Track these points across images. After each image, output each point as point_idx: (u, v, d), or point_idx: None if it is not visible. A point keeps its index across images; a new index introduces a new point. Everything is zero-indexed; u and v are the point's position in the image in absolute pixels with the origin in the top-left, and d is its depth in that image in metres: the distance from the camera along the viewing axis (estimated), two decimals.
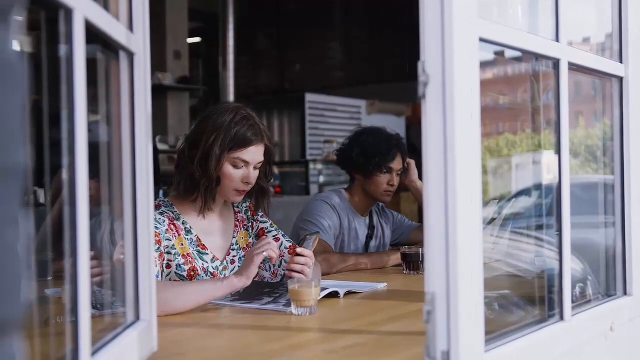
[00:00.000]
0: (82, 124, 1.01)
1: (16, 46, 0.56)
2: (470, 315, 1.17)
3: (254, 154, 2.18)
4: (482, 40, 1.24)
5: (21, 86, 0.55)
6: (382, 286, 2.32)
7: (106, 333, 1.25)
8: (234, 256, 2.30)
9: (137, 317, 1.36)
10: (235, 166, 2.16)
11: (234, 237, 2.32)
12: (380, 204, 3.17)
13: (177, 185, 2.21)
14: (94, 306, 1.26)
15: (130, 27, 1.34)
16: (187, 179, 2.18)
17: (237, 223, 2.35)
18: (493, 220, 1.96)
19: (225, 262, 2.26)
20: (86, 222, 1.01)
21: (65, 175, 1.00)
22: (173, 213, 2.20)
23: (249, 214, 2.39)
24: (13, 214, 0.54)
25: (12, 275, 0.54)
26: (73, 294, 1.00)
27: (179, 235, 2.17)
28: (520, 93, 2.04)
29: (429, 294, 1.17)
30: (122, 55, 1.32)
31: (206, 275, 2.18)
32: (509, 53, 1.53)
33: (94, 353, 1.08)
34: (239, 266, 2.27)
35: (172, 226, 2.16)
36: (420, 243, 2.88)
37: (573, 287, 1.57)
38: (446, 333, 1.15)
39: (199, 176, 2.14)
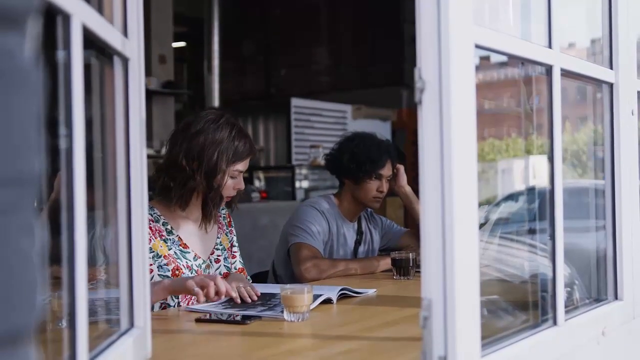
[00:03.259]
0: (79, 129, 1.00)
1: (31, 53, 0.56)
2: (467, 320, 1.17)
3: (247, 163, 2.32)
4: (477, 46, 1.24)
5: (36, 94, 0.55)
6: (372, 292, 2.32)
7: (100, 340, 1.24)
8: (218, 255, 2.39)
9: (132, 324, 1.35)
10: (232, 177, 2.28)
11: (218, 238, 2.41)
12: (369, 209, 3.17)
13: (174, 194, 2.25)
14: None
15: (125, 32, 1.33)
16: (189, 192, 2.25)
17: (220, 225, 2.45)
18: (482, 225, 1.97)
19: (208, 261, 2.34)
20: (83, 228, 1.01)
21: (63, 180, 0.99)
22: (152, 215, 2.24)
23: (226, 221, 2.50)
24: (29, 222, 0.54)
25: (28, 283, 0.54)
26: (70, 301, 0.99)
27: (156, 237, 2.22)
28: (506, 98, 2.05)
29: (426, 300, 1.17)
30: (117, 61, 1.32)
31: (190, 273, 2.24)
32: (494, 58, 1.54)
33: None
34: (224, 265, 2.39)
35: (149, 229, 2.19)
36: (408, 248, 2.89)
37: None
38: (443, 338, 1.15)
39: (205, 190, 2.24)
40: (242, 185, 2.32)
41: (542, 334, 1.45)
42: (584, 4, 2.13)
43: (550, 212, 1.51)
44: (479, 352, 1.21)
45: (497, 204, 2.27)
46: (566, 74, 1.57)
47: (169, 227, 2.26)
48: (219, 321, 1.85)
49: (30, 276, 0.54)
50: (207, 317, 1.89)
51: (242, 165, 2.29)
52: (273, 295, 2.15)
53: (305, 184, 7.32)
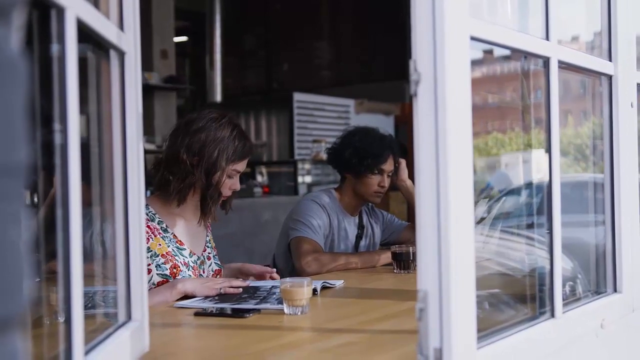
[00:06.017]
0: (74, 124, 1.00)
1: (17, 45, 0.56)
2: (462, 312, 1.17)
3: (245, 164, 2.35)
4: (473, 38, 1.24)
5: (23, 85, 0.55)
6: (339, 283, 2.34)
7: (97, 333, 1.24)
8: (209, 253, 2.43)
9: (129, 317, 1.35)
10: (230, 176, 2.30)
11: (207, 236, 2.45)
12: (370, 203, 3.17)
13: (172, 188, 2.26)
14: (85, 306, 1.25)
15: (121, 26, 1.33)
16: (187, 187, 2.26)
17: (208, 224, 2.47)
18: (482, 219, 1.97)
19: (202, 257, 2.37)
20: (78, 223, 1.01)
21: (57, 176, 0.99)
22: (147, 214, 2.25)
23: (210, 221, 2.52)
24: (16, 212, 0.55)
25: (15, 272, 0.54)
26: (66, 295, 0.99)
27: (155, 235, 2.24)
28: (509, 92, 2.05)
29: (421, 291, 1.17)
30: (113, 55, 1.32)
31: (187, 270, 2.26)
32: (497, 52, 1.54)
33: (86, 352, 1.07)
34: (215, 262, 2.43)
35: (147, 228, 2.20)
36: (410, 242, 2.89)
37: (563, 285, 1.57)
38: (438, 330, 1.16)
39: (203, 187, 2.26)
40: (237, 186, 2.34)
41: (539, 326, 1.45)
42: None
43: (548, 204, 1.50)
44: (475, 344, 1.21)
45: (499, 198, 2.27)
46: (564, 66, 1.57)
47: (164, 225, 2.28)
48: (217, 315, 1.85)
49: (17, 265, 0.55)
50: (206, 310, 1.89)
51: (240, 166, 2.31)
52: (257, 289, 2.17)
53: (307, 178, 7.32)
